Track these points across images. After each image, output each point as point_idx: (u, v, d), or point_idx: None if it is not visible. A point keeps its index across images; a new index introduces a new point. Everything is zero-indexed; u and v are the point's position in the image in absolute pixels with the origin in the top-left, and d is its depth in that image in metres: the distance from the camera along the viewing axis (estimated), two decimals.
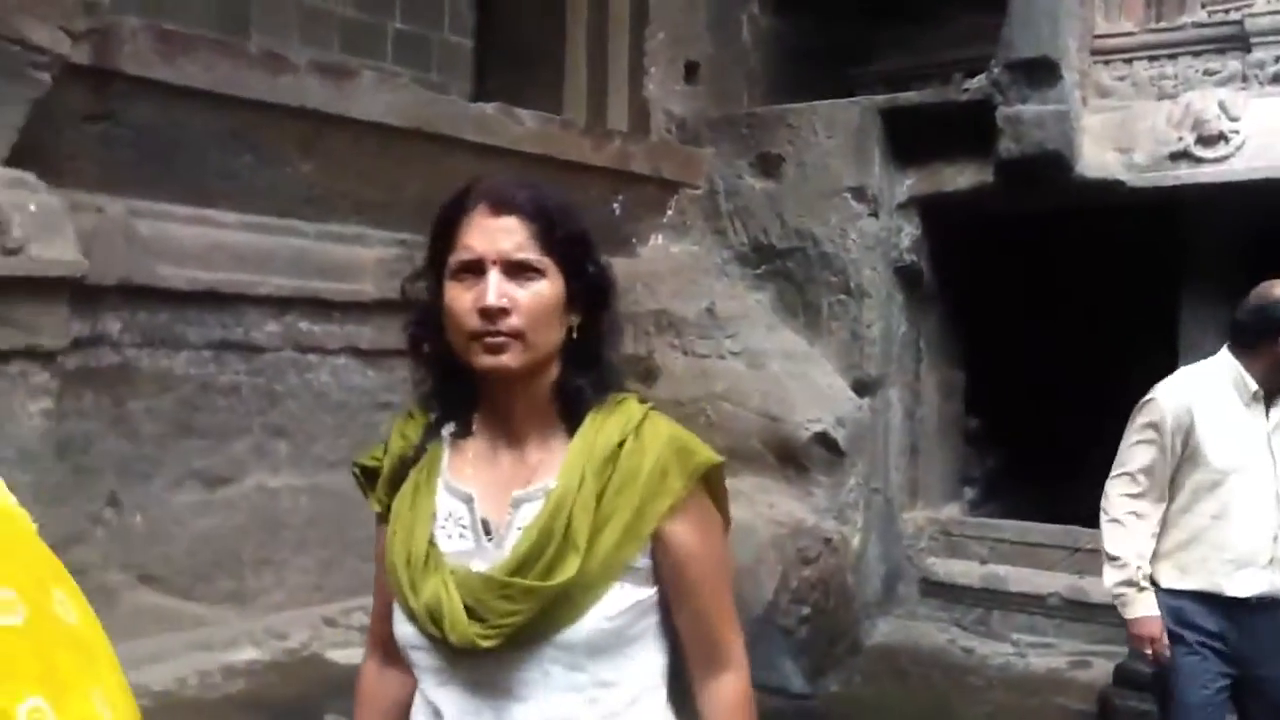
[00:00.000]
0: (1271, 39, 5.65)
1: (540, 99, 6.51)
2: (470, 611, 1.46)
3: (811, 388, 6.02)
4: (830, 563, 5.64)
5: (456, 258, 1.52)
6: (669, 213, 6.73)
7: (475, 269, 1.50)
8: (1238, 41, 5.74)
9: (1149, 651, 3.32)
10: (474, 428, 1.61)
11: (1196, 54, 5.90)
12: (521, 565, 1.46)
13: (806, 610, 5.40)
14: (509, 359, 1.49)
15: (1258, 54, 5.68)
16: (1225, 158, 5.54)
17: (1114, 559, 3.34)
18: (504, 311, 1.47)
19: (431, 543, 1.53)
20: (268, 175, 4.79)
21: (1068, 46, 5.81)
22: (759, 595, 5.39)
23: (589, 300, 1.60)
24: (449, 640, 1.45)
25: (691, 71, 7.11)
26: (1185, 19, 6.04)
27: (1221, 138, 5.55)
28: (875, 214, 6.27)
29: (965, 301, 6.89)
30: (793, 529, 5.61)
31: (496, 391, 1.57)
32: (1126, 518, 3.30)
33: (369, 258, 5.15)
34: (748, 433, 5.93)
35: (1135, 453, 3.32)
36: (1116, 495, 3.34)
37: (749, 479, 5.87)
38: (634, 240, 6.61)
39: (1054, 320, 7.58)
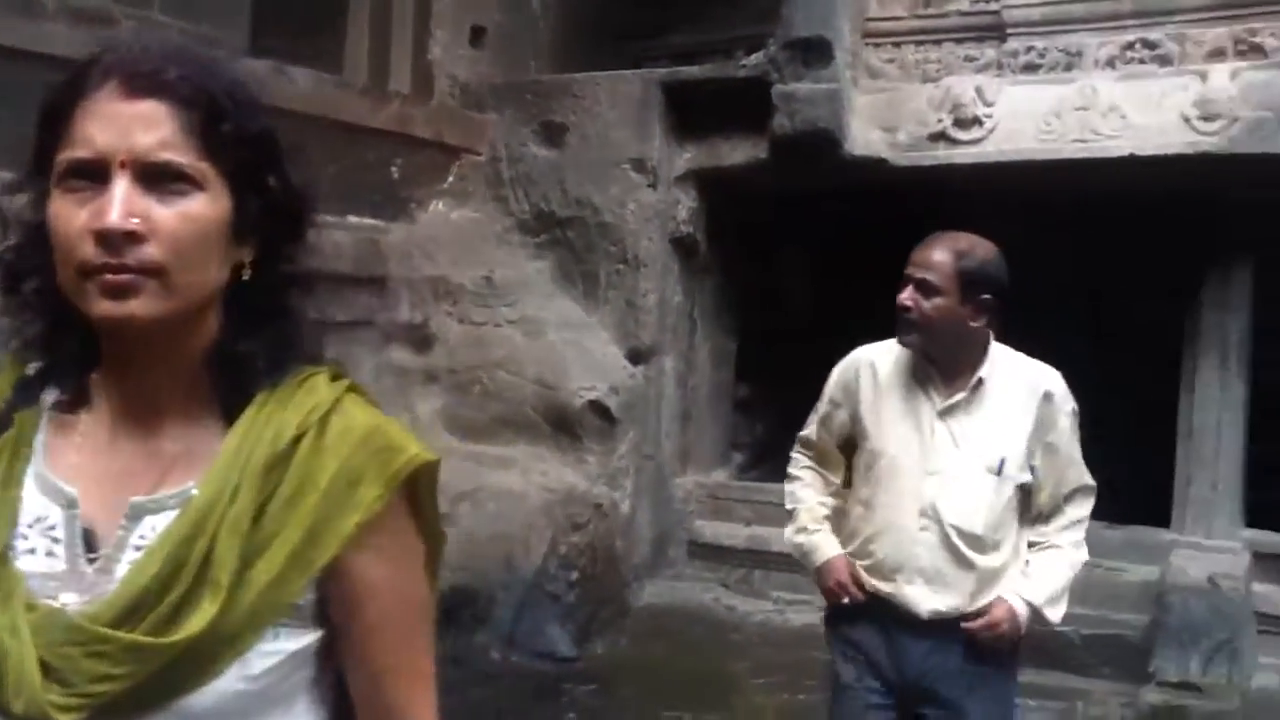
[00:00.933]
0: (1025, 30, 5.98)
1: (320, 58, 6.34)
2: (48, 669, 1.02)
3: (587, 356, 6.10)
4: (600, 528, 5.75)
5: (67, 155, 1.05)
6: (450, 179, 6.68)
7: (95, 174, 1.04)
8: (995, 31, 6.05)
9: (845, 600, 2.81)
10: (89, 399, 1.14)
11: (959, 41, 6.19)
12: (132, 608, 1.04)
13: (575, 575, 5.50)
14: (139, 306, 1.04)
15: (1012, 43, 6.00)
16: (979, 140, 5.84)
17: (790, 514, 3.06)
18: (134, 237, 1.02)
19: (3, 559, 1.08)
20: (21, 129, 4.51)
21: (841, 28, 6.02)
22: (528, 562, 5.46)
23: (269, 229, 1.15)
24: (11, 710, 1.02)
25: (478, 36, 7.05)
26: (950, 7, 6.33)
27: (976, 121, 5.84)
28: (654, 185, 6.37)
29: (740, 273, 7.08)
30: (564, 495, 5.69)
31: (122, 351, 1.11)
32: (802, 472, 3.05)
33: None
34: (523, 401, 5.97)
35: (811, 416, 3.06)
36: (793, 454, 3.12)
37: (523, 447, 5.93)
38: (413, 205, 6.53)
39: (833, 291, 7.90)
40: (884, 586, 2.76)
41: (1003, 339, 2.87)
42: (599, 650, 5.48)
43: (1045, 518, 2.80)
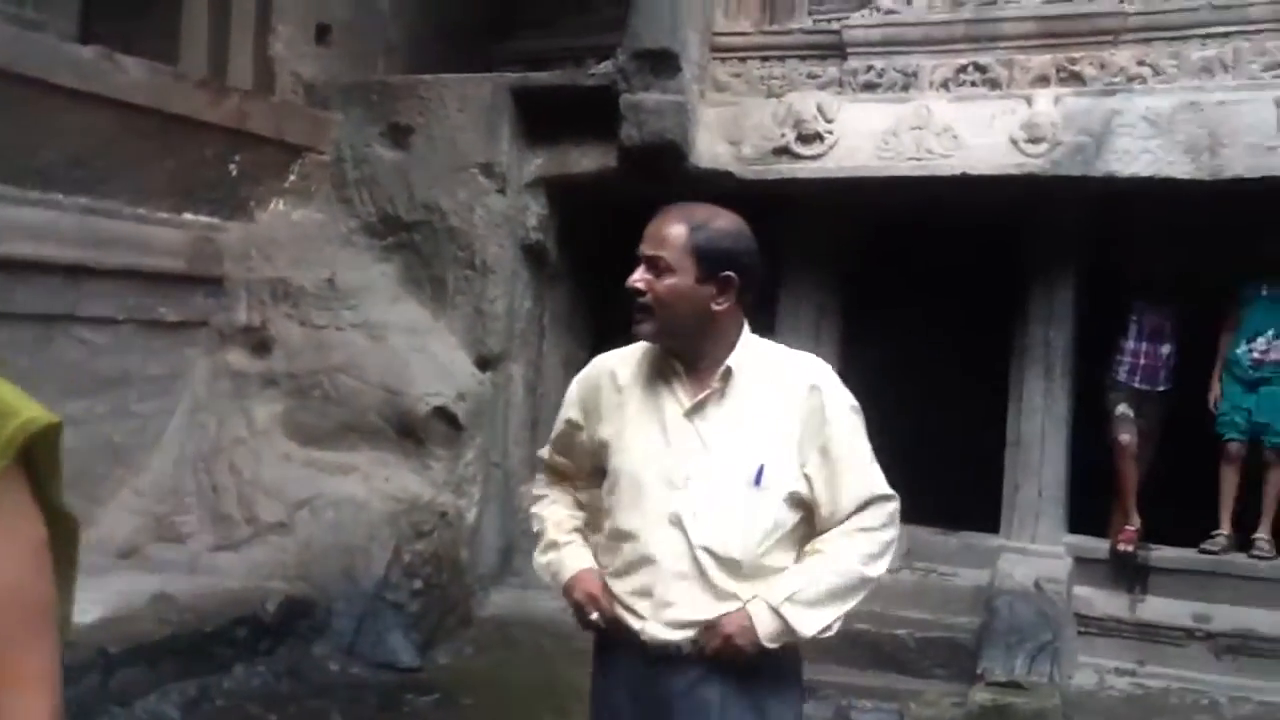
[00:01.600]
0: (864, 50, 6.16)
1: (155, 48, 6.08)
2: None
3: (433, 362, 6.01)
4: (445, 536, 5.66)
5: None
6: (291, 178, 6.49)
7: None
8: (836, 50, 6.22)
9: (594, 615, 2.32)
10: None
11: (802, 58, 6.34)
12: None
13: (418, 584, 5.40)
14: None
15: (852, 63, 6.18)
16: (820, 155, 5.99)
17: (536, 535, 2.55)
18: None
19: None
20: None
21: (688, 40, 6.09)
22: (370, 572, 5.35)
23: None
24: None
25: (323, 33, 6.88)
26: (794, 25, 6.49)
27: (818, 137, 5.99)
28: (503, 191, 6.33)
29: (592, 281, 7.10)
30: (408, 504, 5.59)
31: None
32: (546, 490, 2.58)
33: None
34: (366, 407, 5.84)
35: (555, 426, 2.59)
36: (536, 476, 2.70)
37: (366, 453, 5.80)
38: (252, 204, 6.32)
39: None
40: (634, 623, 2.25)
41: (761, 329, 2.45)
42: (443, 660, 5.40)
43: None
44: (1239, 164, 5.30)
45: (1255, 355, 5.75)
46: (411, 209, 6.38)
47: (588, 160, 6.38)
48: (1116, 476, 5.85)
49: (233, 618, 4.83)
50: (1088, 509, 6.02)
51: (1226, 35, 5.59)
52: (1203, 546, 5.60)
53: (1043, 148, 5.58)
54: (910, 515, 6.03)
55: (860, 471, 2.29)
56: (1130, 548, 5.56)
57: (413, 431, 5.85)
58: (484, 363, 6.25)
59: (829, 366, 2.38)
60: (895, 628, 5.46)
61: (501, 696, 5.04)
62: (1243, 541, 5.59)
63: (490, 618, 5.99)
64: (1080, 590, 5.57)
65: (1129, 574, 5.57)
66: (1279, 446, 5.65)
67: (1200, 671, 5.29)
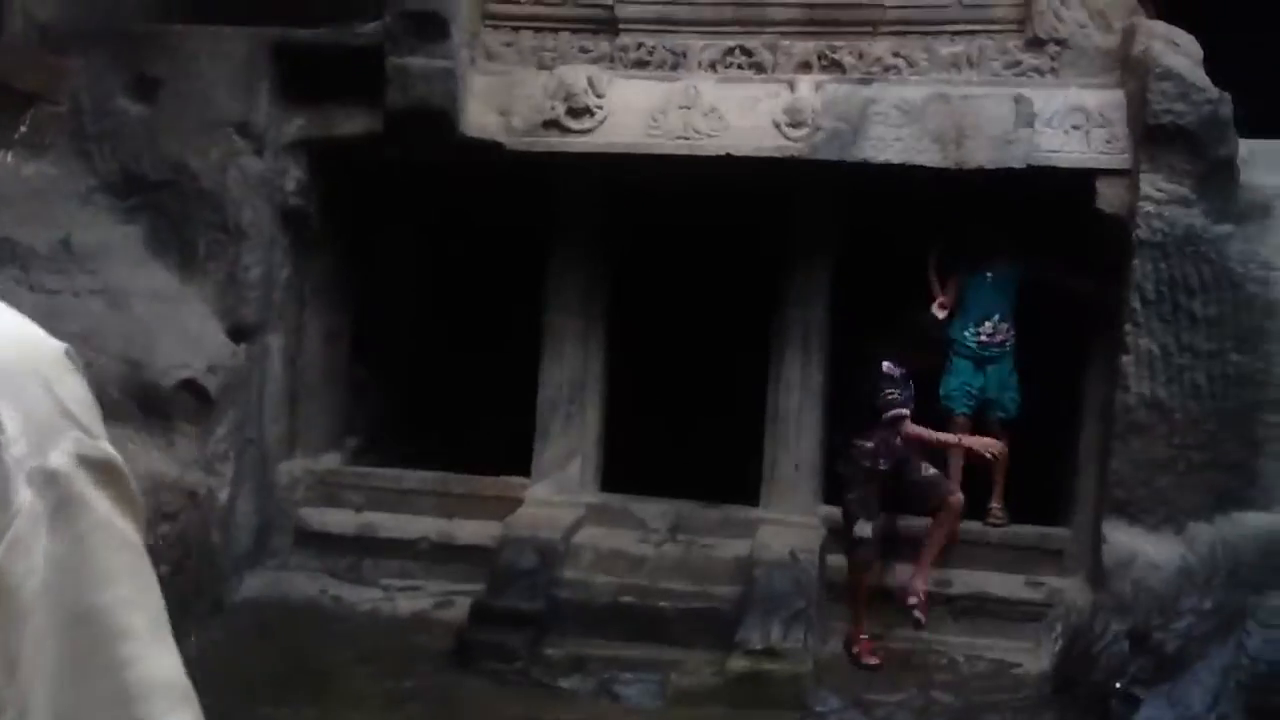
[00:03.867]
0: (636, 26, 6.18)
1: None
2: None
3: (181, 332, 5.66)
4: (193, 518, 5.36)
5: None
6: (22, 129, 5.94)
7: None
8: (609, 25, 6.20)
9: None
10: None
11: (574, 31, 6.30)
12: None
13: (165, 569, 5.07)
14: None
15: (624, 39, 6.18)
16: (590, 130, 5.98)
17: None
18: None
19: None
20: None
21: (458, 5, 5.95)
22: None
23: None
24: None
25: None
26: None
27: (588, 111, 5.97)
28: (260, 153, 6.02)
29: (358, 249, 6.86)
30: (151, 483, 5.24)
31: None
32: None
33: None
34: (105, 380, 5.41)
35: None
36: None
37: (106, 430, 5.39)
38: None
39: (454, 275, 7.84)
40: None
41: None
42: (189, 652, 5.08)
43: None
44: (981, 155, 5.63)
45: (983, 338, 6.06)
46: (158, 167, 5.96)
47: (352, 124, 6.14)
48: (851, 586, 5.62)
49: None
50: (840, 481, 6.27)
51: (973, 34, 5.92)
52: (989, 521, 5.95)
53: (803, 131, 5.76)
54: (675, 489, 6.20)
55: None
56: (875, 660, 5.43)
57: (157, 406, 5.49)
58: (238, 333, 5.93)
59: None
60: (659, 600, 5.56)
61: (254, 683, 4.82)
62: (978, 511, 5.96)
63: (243, 601, 5.74)
64: (834, 559, 5.81)
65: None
66: (1003, 420, 6.07)
67: (940, 633, 5.64)
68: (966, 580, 5.77)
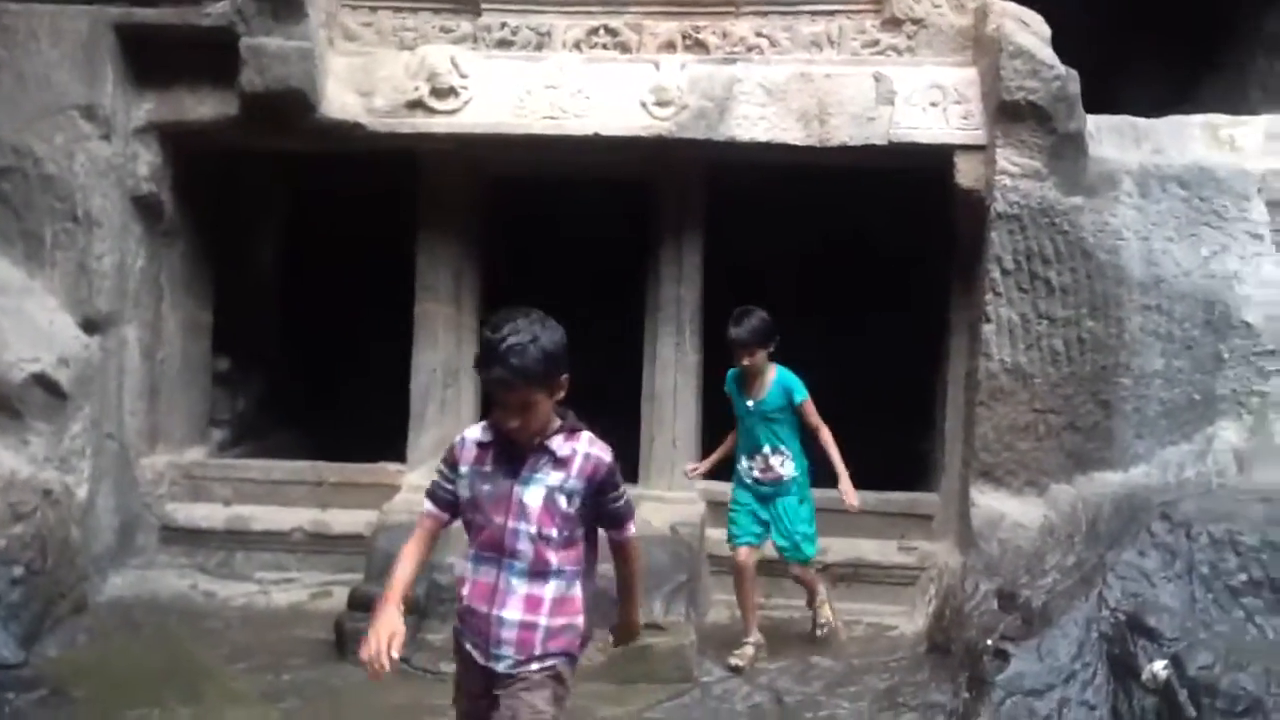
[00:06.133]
0: (498, 6, 6.12)
1: None
2: None
3: (29, 324, 5.39)
4: (50, 517, 5.11)
5: None
6: None
7: None
8: (470, 4, 6.13)
9: None
10: None
11: (435, 11, 6.22)
12: None
13: (19, 571, 4.84)
14: None
15: (487, 18, 6.12)
16: (455, 110, 5.90)
17: None
18: None
19: None
20: None
21: None
22: None
23: None
24: None
25: None
26: None
27: (452, 91, 5.89)
28: (108, 138, 5.76)
29: (216, 238, 6.63)
30: (4, 483, 4.99)
31: None
32: None
33: None
34: None
35: None
36: None
37: None
38: None
39: (314, 260, 7.66)
40: None
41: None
42: (52, 652, 4.88)
43: None
44: (844, 132, 5.75)
45: (756, 474, 5.28)
46: None
47: (206, 107, 5.94)
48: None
49: None
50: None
51: (832, 13, 6.05)
52: (730, 663, 5.14)
53: (670, 110, 5.80)
54: None
55: None
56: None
57: (6, 402, 5.22)
58: (91, 325, 5.67)
59: None
60: None
61: (120, 684, 4.63)
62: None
63: (108, 601, 5.50)
64: (712, 533, 5.86)
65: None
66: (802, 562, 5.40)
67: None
68: (841, 548, 5.89)
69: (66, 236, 5.67)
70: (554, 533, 2.81)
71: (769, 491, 5.27)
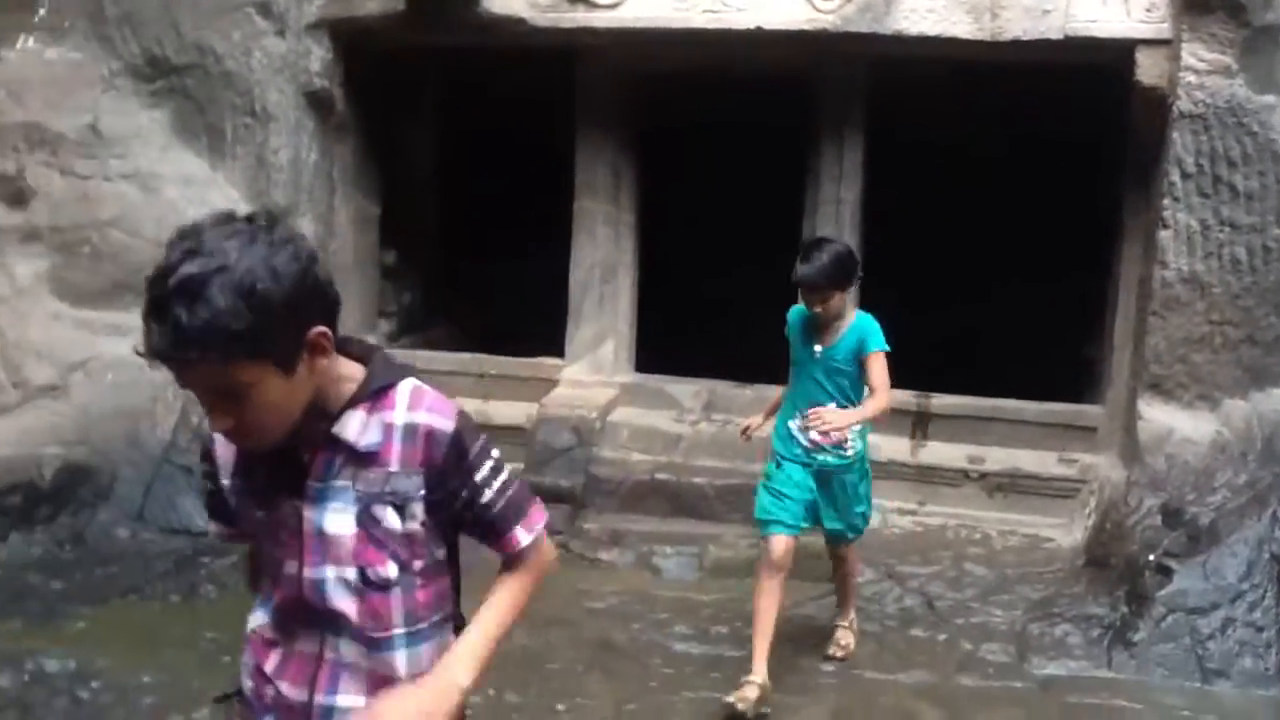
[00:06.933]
0: None
1: None
2: None
3: None
4: None
5: None
6: (42, 11, 5.87)
7: None
8: None
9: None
10: None
11: None
12: None
13: None
14: None
15: None
16: (616, 4, 5.84)
17: None
18: None
19: None
20: None
21: None
22: (156, 435, 5.07)
23: None
24: None
25: None
26: None
27: None
28: (282, 33, 5.92)
29: (382, 134, 6.79)
30: None
31: None
32: None
33: None
34: (142, 263, 5.37)
35: None
36: None
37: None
38: None
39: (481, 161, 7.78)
40: None
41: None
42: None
43: None
44: (1017, 26, 5.50)
45: (813, 436, 4.06)
46: (181, 50, 5.88)
47: (374, 2, 6.02)
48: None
49: (5, 485, 4.48)
50: None
51: None
52: (728, 701, 3.89)
53: (834, 4, 5.63)
54: (710, 369, 6.23)
55: None
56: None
57: None
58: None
59: None
60: (694, 476, 5.62)
61: None
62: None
63: None
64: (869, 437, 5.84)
65: (911, 420, 5.88)
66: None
67: (974, 508, 5.70)
68: (999, 457, 5.80)
69: (245, 131, 5.89)
70: (392, 571, 1.70)
71: (826, 463, 4.11)
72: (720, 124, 7.52)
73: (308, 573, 1.69)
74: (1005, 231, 7.05)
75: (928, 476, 5.61)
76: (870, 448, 5.71)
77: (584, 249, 6.40)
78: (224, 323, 1.46)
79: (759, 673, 3.95)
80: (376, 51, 6.37)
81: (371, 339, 6.72)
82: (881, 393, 3.98)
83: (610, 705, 3.96)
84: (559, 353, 6.42)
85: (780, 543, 4.04)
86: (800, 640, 4.47)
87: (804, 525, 4.12)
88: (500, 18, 5.89)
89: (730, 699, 3.88)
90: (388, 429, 1.68)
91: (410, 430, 1.68)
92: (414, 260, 7.31)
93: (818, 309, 4.01)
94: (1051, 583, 5.08)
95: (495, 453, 1.75)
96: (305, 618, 1.73)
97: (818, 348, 4.08)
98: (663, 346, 6.41)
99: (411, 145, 7.34)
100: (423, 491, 1.69)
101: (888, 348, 4.04)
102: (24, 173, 5.46)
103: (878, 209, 6.35)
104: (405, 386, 1.71)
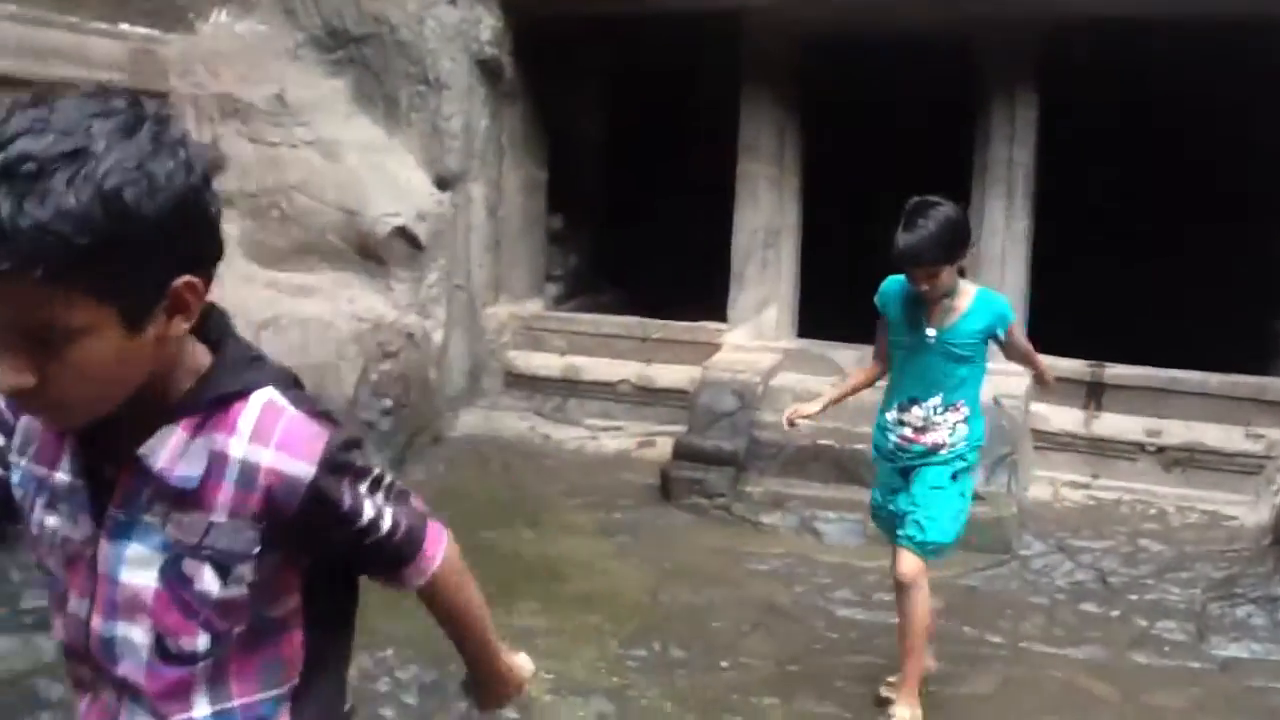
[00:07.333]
0: None
1: None
2: None
3: (391, 181, 5.85)
4: (412, 357, 5.63)
5: None
6: None
7: None
8: None
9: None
10: None
11: None
12: None
13: (388, 403, 5.39)
14: None
15: None
16: None
17: None
18: None
19: None
20: None
21: None
22: (340, 390, 5.32)
23: None
24: None
25: None
26: None
27: None
28: (454, 2, 6.07)
29: (548, 101, 6.90)
30: (374, 324, 5.52)
31: None
32: None
33: None
34: (325, 227, 5.70)
35: None
36: None
37: (328, 274, 5.70)
38: (191, 15, 5.99)
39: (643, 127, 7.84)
40: None
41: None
42: (417, 476, 5.43)
43: None
44: None
45: (907, 433, 3.51)
46: (360, 21, 6.09)
47: None
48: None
49: None
50: (1046, 330, 6.12)
51: None
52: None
53: None
54: (868, 337, 6.11)
55: None
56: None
57: (373, 252, 5.74)
58: (443, 182, 6.10)
59: None
60: (857, 443, 5.56)
61: (477, 509, 5.11)
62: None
63: (460, 437, 6.02)
64: (1037, 407, 5.70)
65: (1084, 391, 5.71)
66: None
67: (1150, 483, 5.50)
68: (1179, 431, 5.58)
69: (420, 99, 6.07)
70: (200, 644, 1.24)
71: (910, 460, 3.51)
72: (883, 85, 7.39)
73: (96, 623, 1.24)
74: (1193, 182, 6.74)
75: (1101, 449, 5.44)
76: (1040, 418, 5.64)
77: (747, 213, 6.39)
78: (65, 228, 1.01)
79: (910, 695, 3.50)
80: (544, 19, 6.47)
81: (538, 302, 6.91)
82: (1036, 355, 3.66)
83: (772, 665, 3.98)
84: (721, 317, 6.44)
85: (895, 554, 3.52)
86: (967, 611, 4.41)
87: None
88: None
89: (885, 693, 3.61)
90: (217, 461, 1.20)
91: (248, 471, 1.20)
92: (579, 225, 7.43)
93: (924, 286, 3.31)
94: (1234, 562, 4.88)
95: (375, 473, 1.29)
96: (95, 671, 1.28)
97: (931, 330, 3.40)
98: (825, 311, 6.37)
99: (577, 111, 7.44)
100: (257, 549, 1.21)
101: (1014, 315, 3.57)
102: (218, 141, 5.76)
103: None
104: (257, 401, 1.22)
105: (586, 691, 3.60)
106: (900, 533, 3.51)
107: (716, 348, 6.25)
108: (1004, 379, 5.78)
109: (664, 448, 5.76)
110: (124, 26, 5.66)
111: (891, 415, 3.54)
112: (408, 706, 3.39)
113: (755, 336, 6.32)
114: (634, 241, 7.92)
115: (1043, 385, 3.85)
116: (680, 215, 7.61)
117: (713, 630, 4.20)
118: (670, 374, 6.28)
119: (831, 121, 6.85)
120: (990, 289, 3.64)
